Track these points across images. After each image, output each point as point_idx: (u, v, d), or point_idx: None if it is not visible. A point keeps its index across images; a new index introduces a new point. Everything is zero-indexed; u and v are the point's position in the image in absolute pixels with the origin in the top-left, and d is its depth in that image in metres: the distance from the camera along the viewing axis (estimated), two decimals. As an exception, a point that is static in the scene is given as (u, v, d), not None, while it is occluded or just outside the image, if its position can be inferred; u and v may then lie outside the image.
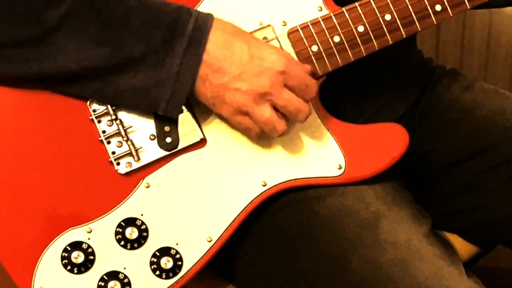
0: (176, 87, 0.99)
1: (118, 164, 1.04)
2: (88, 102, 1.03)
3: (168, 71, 0.98)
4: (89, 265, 1.03)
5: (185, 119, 1.05)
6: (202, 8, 1.04)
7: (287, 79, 1.00)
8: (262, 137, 1.05)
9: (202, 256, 1.05)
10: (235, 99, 1.00)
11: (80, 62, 0.97)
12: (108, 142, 1.04)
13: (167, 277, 1.04)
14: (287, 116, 1.02)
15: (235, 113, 1.01)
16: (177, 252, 1.04)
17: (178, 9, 0.99)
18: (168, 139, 1.05)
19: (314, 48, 1.06)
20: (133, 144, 1.04)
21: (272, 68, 0.99)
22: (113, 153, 1.04)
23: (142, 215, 1.04)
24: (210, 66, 0.99)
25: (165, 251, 1.04)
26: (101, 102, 1.03)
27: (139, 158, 1.04)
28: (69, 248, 1.03)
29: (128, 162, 1.04)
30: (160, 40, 0.98)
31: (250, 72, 0.99)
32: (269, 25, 1.06)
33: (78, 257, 1.03)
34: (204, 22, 0.99)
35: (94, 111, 1.04)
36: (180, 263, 1.04)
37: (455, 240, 1.25)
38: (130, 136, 1.04)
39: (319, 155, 1.07)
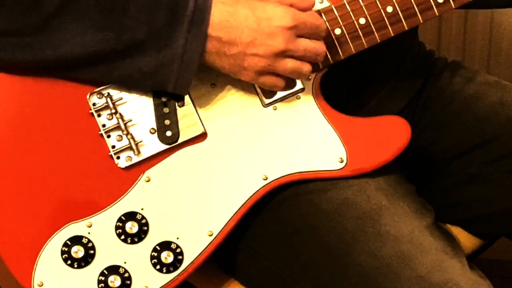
0: (183, 67, 0.99)
1: (118, 158, 1.03)
2: (87, 96, 1.03)
3: (173, 52, 0.98)
4: (89, 260, 1.03)
5: (186, 112, 1.04)
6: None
7: (298, 30, 1.01)
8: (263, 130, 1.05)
9: (203, 250, 1.04)
10: (254, 64, 1.00)
11: (83, 48, 0.97)
12: (108, 136, 1.03)
13: (168, 272, 1.04)
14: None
15: (257, 75, 1.02)
16: (177, 246, 1.04)
17: None
18: (169, 133, 1.04)
19: (315, 40, 1.05)
20: (133, 138, 1.03)
21: (282, 26, 0.99)
22: (113, 147, 1.03)
23: (142, 209, 1.03)
24: (220, 40, 0.99)
25: (165, 245, 1.03)
26: (107, 87, 1.03)
27: (139, 152, 1.04)
28: (69, 243, 1.02)
29: (128, 156, 1.04)
30: (162, 22, 0.98)
31: (262, 36, 0.99)
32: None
33: (78, 251, 1.02)
34: None
35: (93, 104, 1.03)
36: (180, 257, 1.04)
37: (458, 232, 1.25)
38: (130, 130, 1.04)
39: (321, 148, 1.06)
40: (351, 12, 1.06)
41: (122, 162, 1.03)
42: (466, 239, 1.26)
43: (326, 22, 1.05)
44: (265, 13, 0.99)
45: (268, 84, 1.04)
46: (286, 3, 1.01)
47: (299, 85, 1.07)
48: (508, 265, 1.98)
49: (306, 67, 1.03)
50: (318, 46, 1.03)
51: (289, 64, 1.02)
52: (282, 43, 1.00)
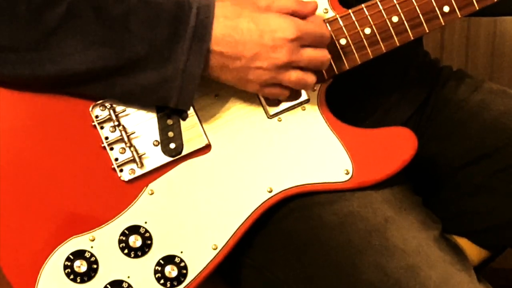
0: (185, 83, 0.98)
1: (121, 171, 1.02)
2: (90, 108, 1.02)
3: (174, 67, 0.97)
4: (93, 274, 1.02)
5: (190, 124, 1.03)
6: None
7: (302, 41, 1.00)
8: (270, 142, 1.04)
9: (207, 264, 1.03)
10: (259, 77, 1.00)
11: (84, 64, 0.96)
12: (111, 149, 1.02)
13: (172, 286, 1.02)
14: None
15: (263, 87, 1.02)
16: (181, 260, 1.02)
17: (178, 4, 0.98)
18: (172, 145, 1.03)
19: (320, 51, 1.04)
20: (136, 151, 1.02)
21: (285, 38, 0.99)
22: (116, 159, 1.02)
23: (146, 222, 1.02)
24: (223, 55, 0.98)
25: (169, 259, 1.02)
26: (109, 103, 1.02)
27: (142, 165, 1.02)
28: (71, 257, 1.01)
29: (132, 169, 1.02)
30: (163, 38, 0.97)
31: (266, 49, 0.98)
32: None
33: (81, 266, 1.01)
34: (206, 13, 0.98)
35: (96, 117, 1.02)
36: (184, 271, 1.02)
37: (465, 243, 1.24)
38: (133, 142, 1.03)
39: (326, 160, 1.06)
40: (356, 22, 1.05)
41: (125, 175, 1.02)
42: (473, 251, 1.25)
43: (331, 32, 1.04)
44: (268, 25, 0.98)
45: (273, 95, 1.04)
46: (288, 11, 1.00)
47: (304, 96, 1.06)
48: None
49: (311, 78, 1.02)
50: (322, 54, 1.02)
51: (293, 75, 1.01)
52: (286, 55, 0.99)
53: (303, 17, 1.01)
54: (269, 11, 1.00)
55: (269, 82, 1.01)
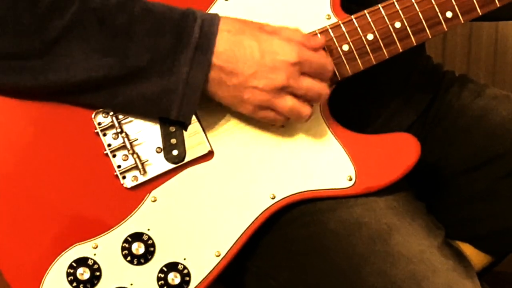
0: (187, 94, 0.98)
1: (124, 178, 1.02)
2: (92, 115, 1.02)
3: (176, 78, 0.97)
4: (95, 282, 1.02)
5: (192, 131, 1.03)
6: (214, 9, 1.03)
7: (302, 67, 0.99)
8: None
9: (211, 271, 1.03)
10: (254, 97, 0.99)
11: (86, 73, 0.96)
12: (114, 156, 1.02)
13: (175, 293, 1.02)
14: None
15: (257, 109, 1.00)
16: (184, 267, 1.02)
17: (182, 15, 0.98)
18: (175, 152, 1.03)
19: (323, 57, 1.04)
20: (139, 158, 1.02)
21: (286, 61, 0.98)
22: (119, 166, 1.02)
23: (148, 229, 1.02)
24: (222, 69, 0.98)
25: (172, 266, 1.02)
26: (111, 111, 1.02)
27: (145, 172, 1.02)
28: (74, 265, 1.01)
29: (134, 176, 1.02)
30: (167, 48, 0.97)
31: (264, 69, 0.98)
32: (277, 34, 1.04)
33: (84, 273, 1.01)
34: (210, 26, 0.98)
35: (99, 124, 1.02)
36: (188, 278, 1.02)
37: (468, 249, 1.23)
38: (136, 149, 1.03)
39: (329, 167, 1.05)
40: (358, 28, 1.05)
41: (128, 182, 1.02)
42: (476, 256, 1.24)
43: (334, 39, 1.04)
44: (271, 46, 0.98)
45: (267, 119, 1.02)
46: (295, 41, 1.00)
47: (306, 102, 1.06)
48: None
49: (306, 110, 1.01)
50: (322, 87, 1.01)
51: (289, 102, 1.00)
52: (284, 78, 0.98)
53: (309, 48, 1.00)
54: (275, 36, 0.99)
55: (263, 104, 0.99)
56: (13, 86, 0.98)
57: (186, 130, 1.02)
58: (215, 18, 0.98)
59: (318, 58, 1.00)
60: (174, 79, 0.97)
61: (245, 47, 0.97)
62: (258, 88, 0.98)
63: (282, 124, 1.04)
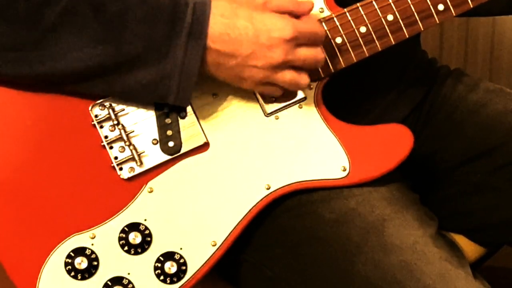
0: (183, 79, 0.99)
1: (120, 169, 1.03)
2: (89, 107, 1.03)
3: (172, 64, 0.98)
4: (93, 271, 1.03)
5: (188, 123, 1.04)
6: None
7: (298, 40, 1.01)
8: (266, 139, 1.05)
9: (207, 261, 1.04)
10: (254, 75, 1.00)
11: (83, 61, 0.97)
12: (111, 147, 1.03)
13: (172, 282, 1.03)
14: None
15: (256, 85, 1.02)
16: (181, 257, 1.03)
17: (175, 1, 0.99)
18: (171, 143, 1.04)
19: (317, 49, 1.05)
20: (135, 149, 1.03)
21: (282, 38, 0.99)
22: (116, 158, 1.03)
23: (145, 220, 1.03)
24: (219, 52, 0.99)
25: (169, 255, 1.03)
26: (108, 102, 1.03)
27: (141, 163, 1.03)
28: (72, 254, 1.02)
29: (131, 167, 1.03)
30: (161, 34, 0.98)
31: (261, 48, 0.99)
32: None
33: (81, 263, 1.02)
34: (202, 11, 0.99)
35: (96, 116, 1.03)
36: (184, 267, 1.03)
37: (461, 240, 1.24)
38: (133, 141, 1.04)
39: (323, 157, 1.06)
40: (351, 21, 1.06)
41: (125, 173, 1.03)
42: (469, 248, 1.25)
43: (327, 31, 1.05)
44: (264, 25, 0.99)
45: (267, 93, 1.05)
46: (284, 10, 1.01)
47: (300, 94, 1.07)
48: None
49: (304, 79, 1.03)
50: (317, 53, 1.03)
51: (287, 76, 1.02)
52: (281, 55, 1.00)
53: (298, 16, 1.02)
54: (266, 10, 1.01)
55: (263, 81, 1.01)
56: (10, 76, 0.99)
57: (182, 118, 1.03)
58: (207, 3, 0.99)
59: (310, 27, 1.02)
60: (170, 64, 0.98)
61: (240, 29, 0.98)
62: (257, 67, 1.00)
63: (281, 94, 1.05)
